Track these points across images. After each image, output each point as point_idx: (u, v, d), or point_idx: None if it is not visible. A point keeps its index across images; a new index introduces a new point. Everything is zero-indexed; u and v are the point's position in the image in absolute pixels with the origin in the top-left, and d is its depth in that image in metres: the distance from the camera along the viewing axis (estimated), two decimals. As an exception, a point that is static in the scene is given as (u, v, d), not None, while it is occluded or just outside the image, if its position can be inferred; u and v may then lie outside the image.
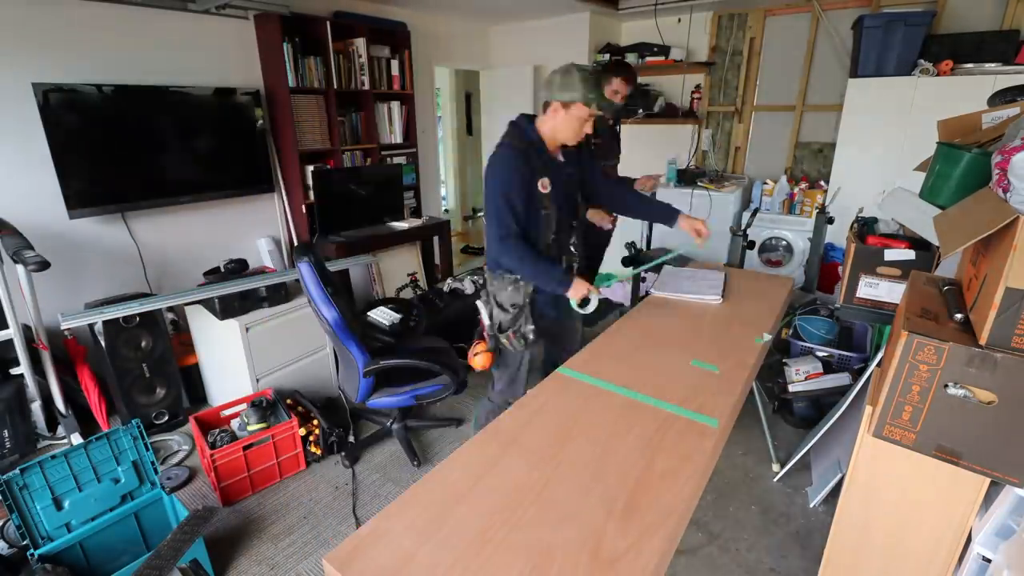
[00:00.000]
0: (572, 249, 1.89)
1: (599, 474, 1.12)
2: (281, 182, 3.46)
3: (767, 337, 1.74)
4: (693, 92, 4.48)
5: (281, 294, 2.58)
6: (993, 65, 3.11)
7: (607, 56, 4.41)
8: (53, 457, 1.67)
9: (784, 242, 4.05)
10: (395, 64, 3.81)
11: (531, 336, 1.82)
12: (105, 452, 1.77)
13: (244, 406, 2.31)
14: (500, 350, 1.88)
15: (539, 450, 1.20)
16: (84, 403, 2.44)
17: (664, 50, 4.29)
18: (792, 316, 3.00)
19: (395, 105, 3.87)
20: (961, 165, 1.42)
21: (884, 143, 3.48)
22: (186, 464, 2.37)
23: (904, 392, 1.23)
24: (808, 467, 2.28)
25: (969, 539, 1.30)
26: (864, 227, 2.19)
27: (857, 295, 2.00)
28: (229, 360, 2.53)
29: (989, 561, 1.24)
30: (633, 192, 2.24)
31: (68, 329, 2.30)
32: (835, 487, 1.97)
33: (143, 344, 2.47)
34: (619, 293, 4.11)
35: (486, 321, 1.85)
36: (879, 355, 1.83)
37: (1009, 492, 1.23)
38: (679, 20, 4.33)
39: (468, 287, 3.44)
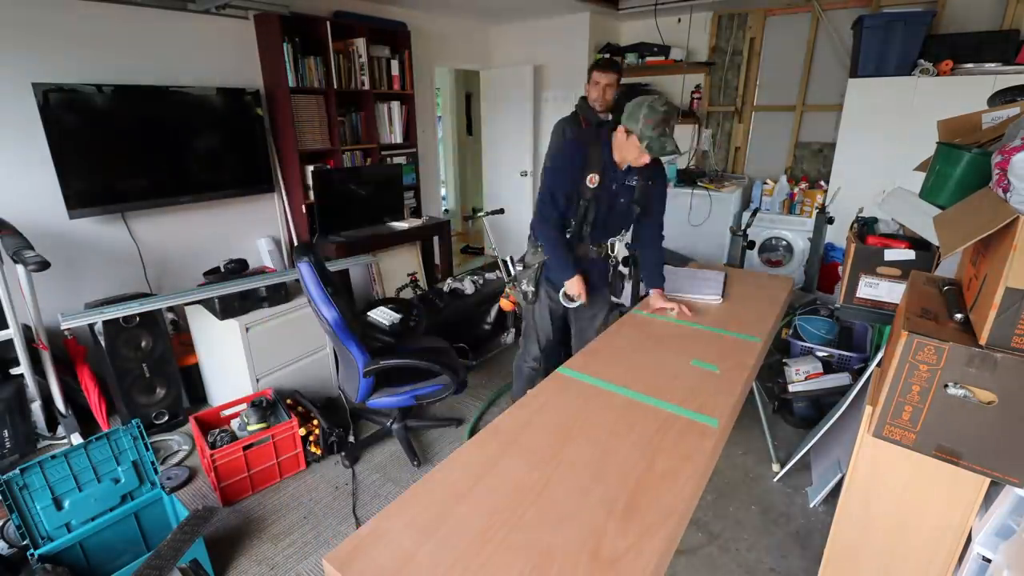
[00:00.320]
0: (610, 251, 2.10)
1: (599, 474, 1.12)
2: (281, 182, 3.46)
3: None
4: (693, 92, 4.49)
5: (281, 294, 2.58)
6: (993, 65, 3.11)
7: (607, 56, 4.41)
8: (53, 457, 1.67)
9: (784, 242, 4.05)
10: (395, 64, 3.81)
11: (530, 296, 2.10)
12: (105, 452, 1.77)
13: (244, 406, 2.31)
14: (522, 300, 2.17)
15: (539, 450, 1.20)
16: (84, 403, 2.44)
17: (664, 50, 4.29)
18: (792, 316, 3.00)
19: (395, 105, 3.87)
20: (961, 165, 1.42)
21: (884, 143, 3.48)
22: (186, 464, 2.37)
23: (904, 392, 1.23)
24: (808, 467, 2.28)
25: (969, 539, 1.30)
26: (864, 227, 2.19)
27: (857, 295, 2.00)
28: (229, 360, 2.53)
29: (989, 561, 1.24)
30: (651, 249, 2.13)
31: (68, 329, 2.30)
32: (835, 487, 1.97)
33: (143, 344, 2.47)
34: (624, 293, 4.10)
35: (513, 270, 2.17)
36: (879, 355, 1.83)
37: (1009, 492, 1.23)
38: (679, 20, 4.33)
39: (468, 287, 3.44)
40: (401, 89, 3.88)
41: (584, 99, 2.75)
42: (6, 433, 2.22)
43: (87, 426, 2.42)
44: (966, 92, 3.06)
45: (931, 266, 1.86)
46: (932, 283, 1.50)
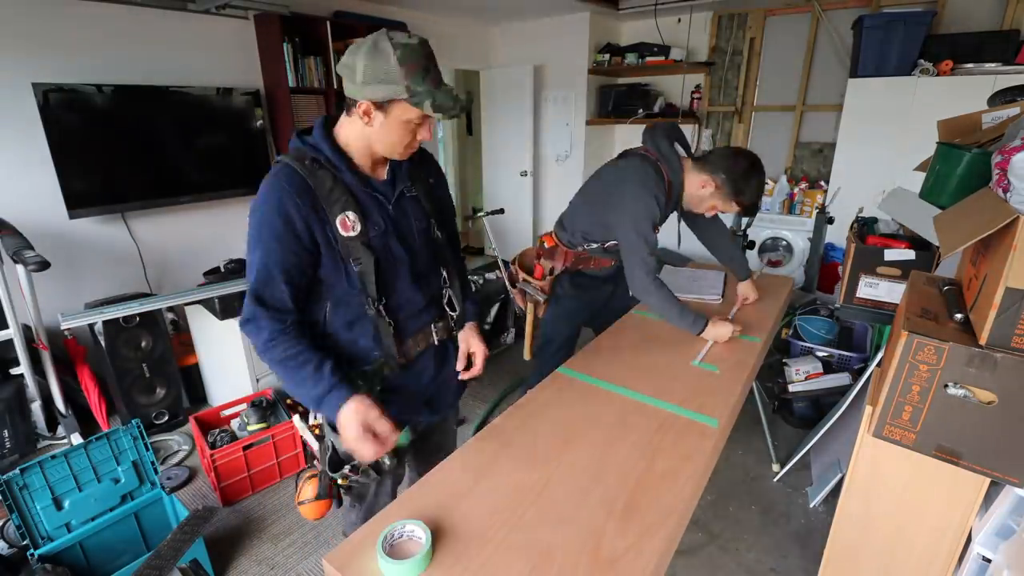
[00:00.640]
0: (446, 307, 1.27)
1: (599, 474, 1.12)
2: (281, 182, 3.45)
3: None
4: (693, 92, 4.49)
5: (281, 294, 2.57)
6: (993, 65, 3.11)
7: (608, 56, 4.41)
8: (53, 457, 1.67)
9: (784, 242, 4.05)
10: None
11: (387, 462, 1.14)
12: (105, 452, 1.77)
13: (244, 406, 2.31)
14: (344, 489, 1.20)
15: (539, 450, 1.19)
16: (84, 403, 2.44)
17: (664, 50, 4.29)
18: (792, 316, 3.00)
19: (395, 105, 3.87)
20: (961, 165, 1.42)
21: (884, 143, 3.48)
22: (186, 464, 2.37)
23: (904, 392, 1.23)
24: (808, 467, 2.28)
25: (969, 539, 1.30)
26: (864, 227, 2.19)
27: (857, 295, 2.00)
28: (229, 360, 2.53)
29: (989, 561, 1.24)
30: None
31: (68, 329, 2.30)
32: (835, 487, 1.97)
33: (143, 344, 2.47)
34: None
35: (313, 446, 1.19)
36: (879, 355, 1.83)
37: (1009, 492, 1.23)
38: (679, 20, 4.33)
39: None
40: (401, 89, 3.88)
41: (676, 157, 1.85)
42: (6, 433, 2.22)
43: (87, 426, 2.42)
44: (966, 92, 3.06)
45: (931, 266, 1.86)
46: (932, 283, 1.50)
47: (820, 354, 2.66)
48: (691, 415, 1.33)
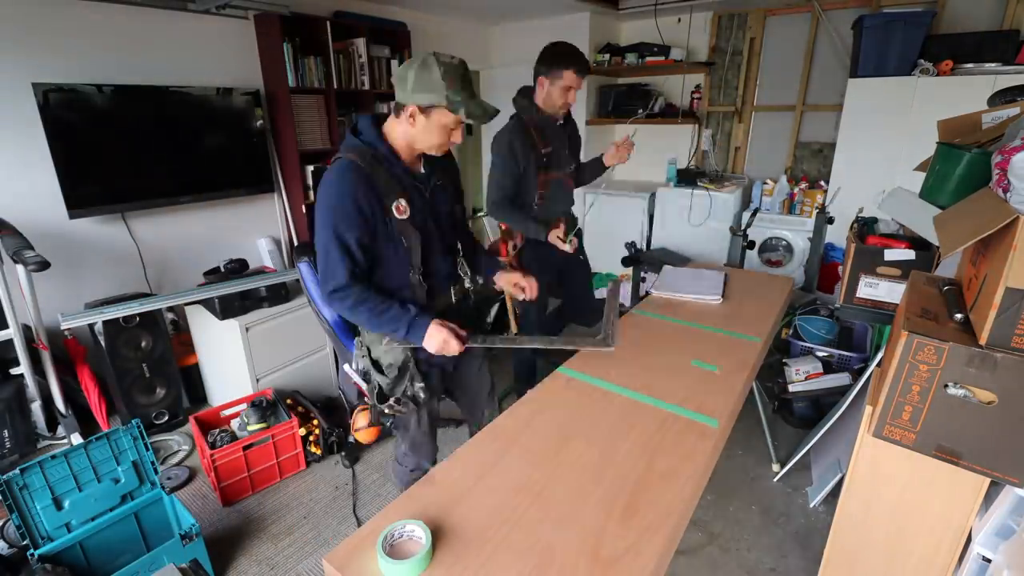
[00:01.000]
0: (461, 274, 1.59)
1: (599, 474, 1.12)
2: (281, 182, 3.46)
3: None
4: (693, 92, 4.49)
5: (281, 294, 2.58)
6: (993, 65, 3.11)
7: (608, 56, 4.41)
8: (53, 457, 1.67)
9: (784, 242, 4.05)
10: (395, 64, 3.81)
11: (422, 395, 1.45)
12: (105, 452, 1.77)
13: (244, 406, 2.31)
14: (390, 419, 1.53)
15: (539, 450, 1.20)
16: (84, 403, 2.44)
17: (664, 50, 4.29)
18: (792, 316, 3.00)
19: (395, 105, 3.87)
20: (961, 165, 1.42)
21: (884, 143, 3.48)
22: (186, 464, 2.37)
23: (904, 392, 1.23)
24: (808, 467, 2.28)
25: (969, 539, 1.30)
26: (864, 227, 2.19)
27: (857, 295, 2.00)
28: (229, 360, 2.53)
29: (989, 561, 1.24)
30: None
31: (68, 329, 2.30)
32: (835, 487, 1.97)
33: (143, 344, 2.47)
34: (621, 292, 4.10)
35: (363, 385, 1.48)
36: (879, 355, 1.83)
37: (1009, 492, 1.23)
38: (679, 20, 4.33)
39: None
40: (401, 89, 3.88)
41: (530, 100, 2.15)
42: (6, 433, 2.22)
43: (87, 426, 2.42)
44: (966, 92, 3.06)
45: (931, 266, 1.86)
46: (932, 283, 1.50)
47: (820, 354, 2.66)
48: (691, 415, 1.33)
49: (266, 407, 2.31)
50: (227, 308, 2.42)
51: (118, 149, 2.70)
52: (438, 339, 1.33)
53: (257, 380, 2.50)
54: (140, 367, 2.47)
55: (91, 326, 2.38)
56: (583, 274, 2.49)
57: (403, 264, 1.38)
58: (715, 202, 3.96)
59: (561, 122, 2.23)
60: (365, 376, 1.48)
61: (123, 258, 2.88)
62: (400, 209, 1.33)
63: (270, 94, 3.28)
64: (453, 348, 1.34)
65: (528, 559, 0.91)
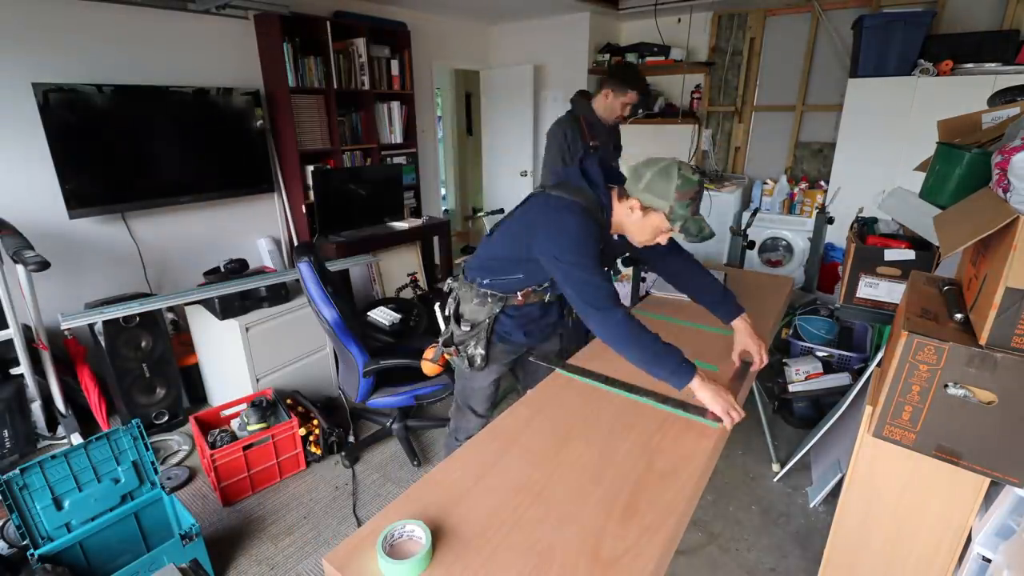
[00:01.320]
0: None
1: (599, 474, 1.12)
2: (281, 182, 3.46)
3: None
4: (693, 92, 4.49)
5: (281, 294, 2.58)
6: (993, 65, 3.11)
7: (608, 56, 4.41)
8: (53, 457, 1.67)
9: (784, 242, 4.05)
10: (395, 64, 3.81)
11: (478, 360, 1.60)
12: (105, 452, 1.77)
13: (244, 406, 2.31)
14: (447, 363, 1.72)
15: (539, 450, 1.20)
16: (84, 403, 2.44)
17: (664, 50, 4.29)
18: (792, 316, 3.00)
19: (395, 105, 3.87)
20: (961, 165, 1.43)
21: (884, 143, 3.48)
22: (186, 464, 2.37)
23: (904, 392, 1.23)
24: (808, 467, 2.28)
25: (969, 539, 1.30)
26: (864, 227, 2.19)
27: (857, 295, 2.00)
28: (229, 360, 2.53)
29: (989, 561, 1.24)
30: (693, 266, 1.78)
31: (68, 329, 2.30)
32: (835, 487, 1.97)
33: (143, 344, 2.47)
34: (620, 293, 4.11)
35: (442, 327, 1.70)
36: (879, 355, 1.83)
37: (1009, 492, 1.23)
38: (679, 20, 4.33)
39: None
40: (401, 89, 3.88)
41: (587, 102, 2.55)
42: (6, 433, 2.22)
43: (87, 426, 2.42)
44: (966, 92, 3.06)
45: (931, 266, 1.86)
46: (932, 283, 1.50)
47: (820, 354, 2.66)
48: (691, 415, 1.32)
49: (266, 407, 2.30)
50: (227, 308, 2.42)
51: (118, 149, 2.70)
52: (710, 388, 1.28)
53: (257, 380, 2.50)
54: (140, 367, 2.46)
55: (91, 326, 2.38)
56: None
57: (539, 280, 1.54)
58: (715, 202, 3.96)
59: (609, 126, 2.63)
60: (446, 319, 1.67)
61: (123, 258, 2.88)
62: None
63: (270, 94, 3.28)
64: (723, 407, 1.27)
65: (528, 559, 0.91)
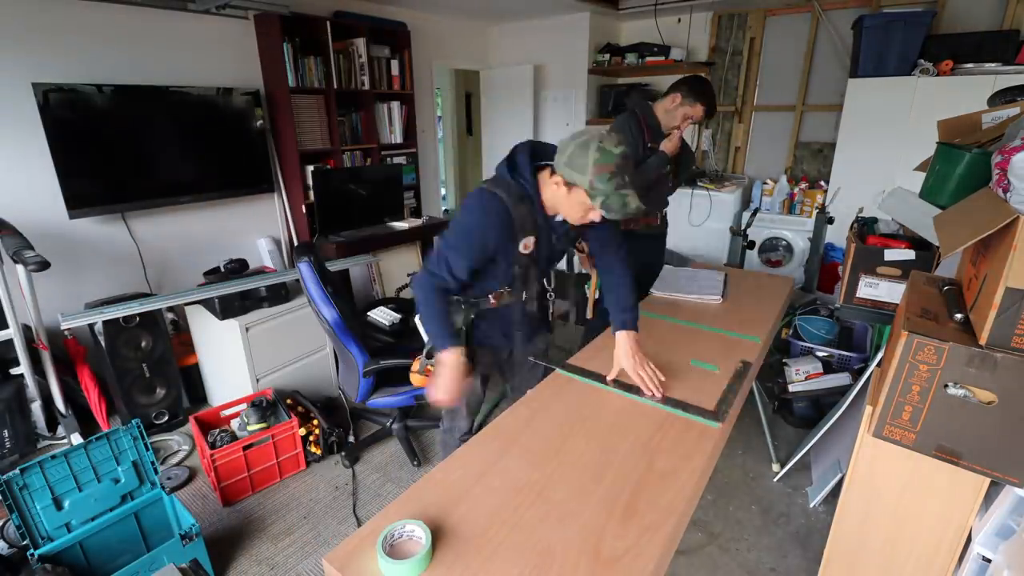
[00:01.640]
0: (548, 292, 1.68)
1: (599, 474, 1.12)
2: (281, 182, 3.46)
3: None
4: (693, 92, 4.48)
5: (281, 294, 2.58)
6: (993, 65, 3.11)
7: (608, 56, 4.41)
8: (53, 457, 1.67)
9: (784, 242, 4.05)
10: (395, 64, 3.81)
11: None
12: (105, 452, 1.77)
13: (244, 406, 2.31)
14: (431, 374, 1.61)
15: (539, 450, 1.20)
16: (84, 403, 2.44)
17: (664, 50, 4.29)
18: (792, 316, 3.00)
19: (395, 105, 3.87)
20: (961, 165, 1.43)
21: (884, 143, 3.48)
22: (186, 464, 2.37)
23: (904, 392, 1.23)
24: (808, 467, 2.28)
25: (969, 539, 1.30)
26: (864, 227, 2.19)
27: (857, 295, 2.00)
28: (229, 360, 2.53)
29: (989, 561, 1.24)
30: (618, 267, 1.64)
31: (68, 329, 2.30)
32: (835, 487, 1.97)
33: (143, 344, 2.47)
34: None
35: (425, 339, 1.60)
36: (879, 355, 1.83)
37: (1009, 492, 1.23)
38: (679, 20, 4.33)
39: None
40: (401, 89, 3.88)
41: (648, 103, 2.39)
42: (6, 433, 2.22)
43: (87, 426, 2.42)
44: (966, 92, 3.06)
45: (931, 266, 1.86)
46: (932, 283, 1.50)
47: (820, 354, 2.66)
48: (691, 415, 1.33)
49: (266, 407, 2.30)
50: (227, 308, 2.42)
51: (118, 149, 2.70)
52: (447, 370, 1.43)
53: (257, 380, 2.50)
54: (140, 367, 2.46)
55: (91, 326, 2.38)
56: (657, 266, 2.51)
57: (505, 279, 1.52)
58: (715, 202, 3.96)
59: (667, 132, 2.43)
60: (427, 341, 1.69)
61: (123, 258, 2.88)
62: (526, 246, 1.43)
63: (270, 94, 3.28)
64: (440, 388, 1.43)
65: (528, 559, 0.91)
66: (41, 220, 2.55)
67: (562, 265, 2.08)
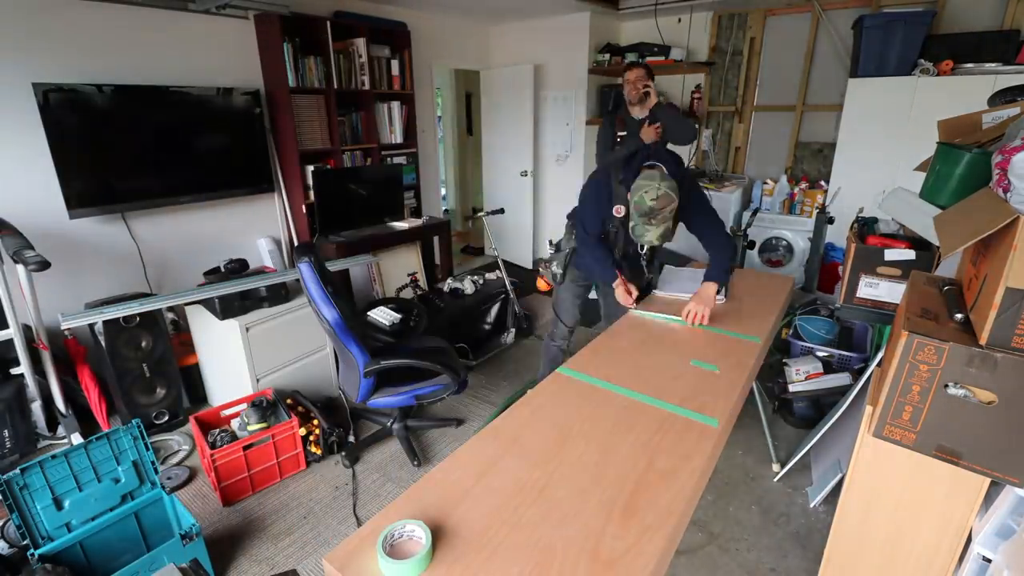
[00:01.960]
0: (641, 262, 2.28)
1: (599, 474, 1.12)
2: (281, 182, 3.46)
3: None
4: (693, 92, 4.49)
5: (281, 294, 2.58)
6: (993, 65, 3.11)
7: (608, 56, 4.41)
8: (53, 457, 1.67)
9: (784, 242, 4.05)
10: (395, 64, 3.81)
11: (559, 277, 2.37)
12: (105, 452, 1.77)
13: (244, 406, 2.31)
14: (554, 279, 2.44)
15: (539, 450, 1.20)
16: (84, 403, 2.44)
17: (664, 50, 4.29)
18: (792, 316, 3.00)
19: (395, 105, 3.87)
20: (961, 165, 1.42)
21: (884, 143, 3.48)
22: (186, 464, 2.37)
23: (904, 392, 1.23)
24: (808, 467, 2.28)
25: (969, 539, 1.30)
26: (864, 227, 2.19)
27: (857, 295, 2.00)
28: (229, 360, 2.53)
29: (989, 561, 1.24)
30: (712, 246, 2.16)
31: (68, 329, 2.30)
32: (835, 487, 1.97)
33: (143, 344, 2.47)
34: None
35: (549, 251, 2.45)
36: (879, 355, 1.83)
37: (1009, 492, 1.23)
38: (679, 20, 4.33)
39: (468, 287, 3.44)
40: (401, 89, 3.88)
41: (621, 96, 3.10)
42: (6, 433, 2.22)
43: (87, 426, 2.42)
44: (966, 92, 3.06)
45: (931, 266, 1.86)
46: (932, 283, 1.50)
47: (820, 354, 2.66)
48: (691, 415, 1.33)
49: (266, 407, 2.30)
50: (227, 308, 2.42)
51: (118, 149, 2.70)
52: (622, 284, 2.08)
53: (257, 380, 2.50)
54: (140, 367, 2.46)
55: (91, 326, 2.38)
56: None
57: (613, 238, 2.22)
58: (715, 202, 3.94)
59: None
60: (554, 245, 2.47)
61: (123, 258, 2.88)
62: (618, 211, 2.04)
63: (270, 94, 3.28)
64: (622, 297, 2.07)
65: (528, 559, 0.91)
66: (41, 220, 2.55)
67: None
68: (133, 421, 1.82)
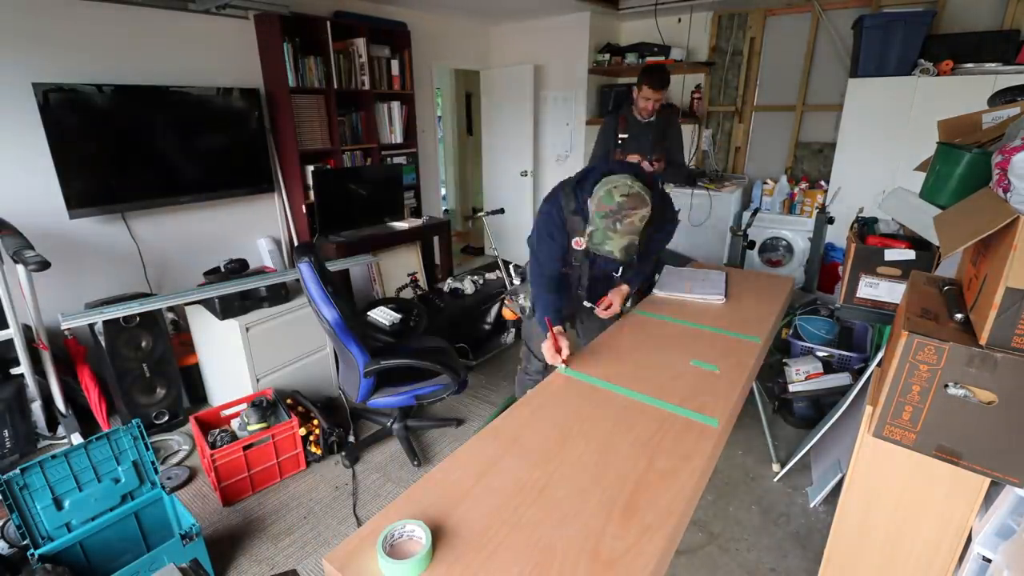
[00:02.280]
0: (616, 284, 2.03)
1: (599, 474, 1.12)
2: (281, 182, 3.46)
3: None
4: (693, 92, 4.49)
5: (281, 294, 2.58)
6: (993, 65, 3.11)
7: (608, 56, 4.41)
8: (53, 457, 1.67)
9: (784, 242, 4.05)
10: (395, 64, 3.81)
11: (527, 311, 2.09)
12: (105, 452, 1.77)
13: (244, 406, 2.31)
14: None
15: (539, 450, 1.20)
16: (84, 403, 2.44)
17: (664, 50, 4.29)
18: (792, 316, 3.00)
19: (395, 105, 3.87)
20: (961, 165, 1.42)
21: (884, 143, 3.48)
22: (186, 464, 2.37)
23: (904, 392, 1.23)
24: (808, 467, 2.28)
25: (969, 539, 1.30)
26: (864, 227, 2.19)
27: (857, 295, 2.00)
28: (229, 360, 2.53)
29: (989, 561, 1.24)
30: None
31: (68, 329, 2.30)
32: (835, 487, 1.97)
33: (143, 344, 2.47)
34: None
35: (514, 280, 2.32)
36: (879, 355, 1.83)
37: (1009, 492, 1.23)
38: (679, 20, 4.33)
39: (468, 287, 3.44)
40: (401, 89, 3.88)
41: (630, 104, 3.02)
42: (6, 433, 2.22)
43: (87, 426, 2.42)
44: (966, 92, 3.06)
45: (931, 266, 1.86)
46: (932, 283, 1.50)
47: (820, 354, 2.66)
48: (691, 415, 1.33)
49: (266, 407, 2.31)
50: (227, 308, 2.42)
51: (118, 149, 2.70)
52: (548, 339, 1.64)
53: (257, 380, 2.50)
54: (140, 367, 2.46)
55: (91, 326, 2.38)
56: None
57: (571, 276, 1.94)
58: (715, 202, 3.96)
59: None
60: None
61: (123, 258, 2.88)
62: (578, 243, 1.73)
63: (270, 94, 3.28)
64: (548, 354, 1.63)
65: (528, 559, 0.91)
66: (41, 220, 2.55)
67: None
68: (133, 421, 1.82)
